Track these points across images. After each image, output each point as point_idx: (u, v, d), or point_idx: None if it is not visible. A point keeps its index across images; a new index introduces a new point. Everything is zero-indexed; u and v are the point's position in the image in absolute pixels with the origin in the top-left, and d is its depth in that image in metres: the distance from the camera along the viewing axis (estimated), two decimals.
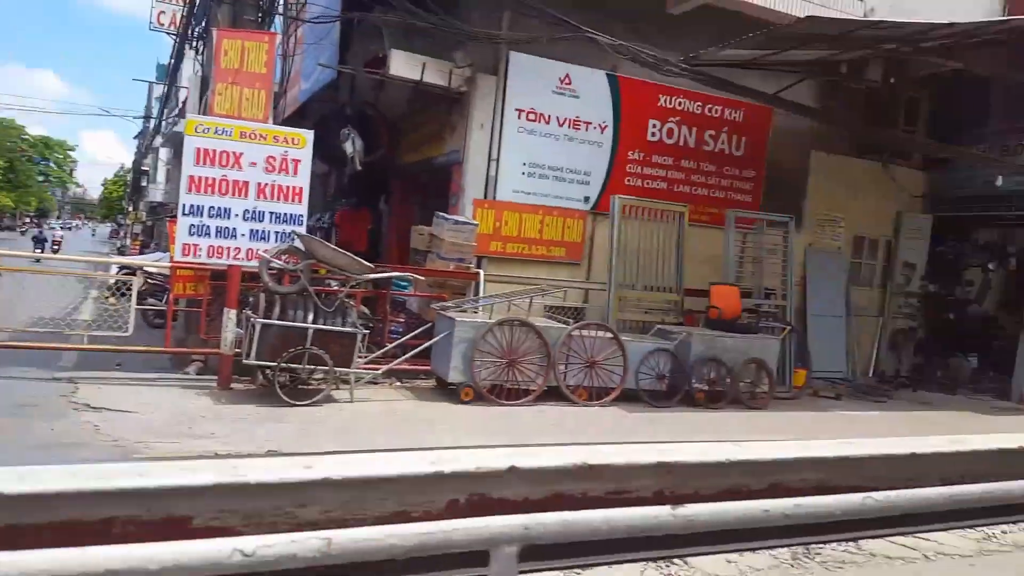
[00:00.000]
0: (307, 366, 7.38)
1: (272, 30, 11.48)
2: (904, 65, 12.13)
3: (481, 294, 9.24)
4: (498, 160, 10.16)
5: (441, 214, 9.56)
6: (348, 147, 11.02)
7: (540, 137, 10.43)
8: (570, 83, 10.53)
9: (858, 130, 11.80)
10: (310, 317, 7.31)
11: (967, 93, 12.72)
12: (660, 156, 11.23)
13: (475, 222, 9.59)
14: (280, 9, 12.60)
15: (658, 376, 8.99)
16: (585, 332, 8.65)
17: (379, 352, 8.14)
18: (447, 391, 8.42)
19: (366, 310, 8.61)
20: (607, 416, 8.21)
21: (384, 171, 13.07)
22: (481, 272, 9.55)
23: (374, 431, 6.87)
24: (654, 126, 11.16)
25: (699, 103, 11.39)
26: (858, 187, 12.64)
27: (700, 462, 3.53)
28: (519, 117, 10.28)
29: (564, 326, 8.73)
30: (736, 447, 3.78)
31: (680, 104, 11.29)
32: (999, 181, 11.81)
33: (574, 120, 10.61)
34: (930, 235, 13.20)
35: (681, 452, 3.53)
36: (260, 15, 9.79)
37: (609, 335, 8.78)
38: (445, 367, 8.20)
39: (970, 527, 4.43)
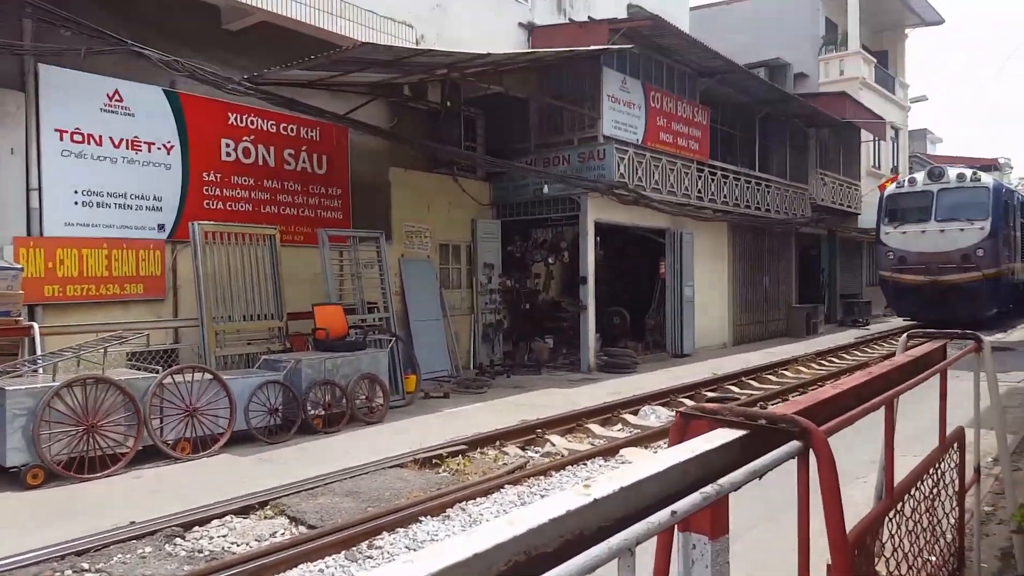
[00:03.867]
0: None
1: None
2: (458, 88, 13.24)
3: (39, 351, 7.55)
4: (40, 190, 8.49)
5: None
6: None
7: (93, 161, 8.99)
8: (121, 100, 9.27)
9: (427, 147, 12.52)
10: None
11: (514, 112, 14.46)
12: (240, 177, 10.52)
13: (18, 265, 7.81)
14: None
15: (270, 410, 8.41)
16: (179, 377, 7.71)
17: None
18: (9, 477, 6.69)
19: None
20: (214, 466, 7.32)
21: None
22: (35, 325, 7.82)
23: None
24: (228, 145, 10.42)
25: (273, 122, 10.96)
26: (435, 199, 13.48)
27: None
28: (61, 139, 8.74)
29: (153, 375, 7.60)
30: None
31: (253, 123, 10.74)
32: (546, 188, 13.75)
33: (132, 140, 9.37)
34: (500, 237, 14.67)
35: None
36: None
37: (208, 376, 7.92)
38: (0, 448, 6.51)
39: None
